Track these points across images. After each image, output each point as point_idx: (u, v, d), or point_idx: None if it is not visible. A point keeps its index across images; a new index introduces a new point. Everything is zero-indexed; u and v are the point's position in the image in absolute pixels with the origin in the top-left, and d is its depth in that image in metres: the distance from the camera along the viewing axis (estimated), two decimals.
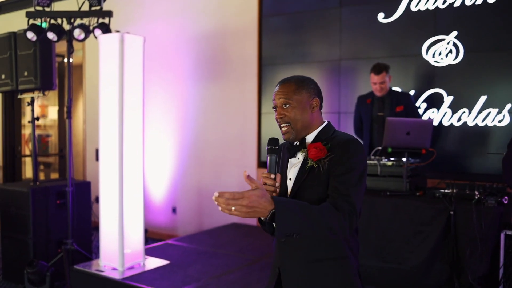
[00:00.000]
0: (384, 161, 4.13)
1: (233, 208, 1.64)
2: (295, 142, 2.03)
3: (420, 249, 3.72)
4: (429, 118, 4.96)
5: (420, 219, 3.72)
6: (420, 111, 5.00)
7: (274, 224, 1.70)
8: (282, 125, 2.01)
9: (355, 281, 1.98)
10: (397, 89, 4.99)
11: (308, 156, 1.95)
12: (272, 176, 1.94)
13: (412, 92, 5.05)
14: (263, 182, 1.91)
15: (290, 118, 1.98)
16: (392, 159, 4.17)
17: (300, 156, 2.01)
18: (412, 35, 5.13)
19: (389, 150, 4.09)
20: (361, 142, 1.97)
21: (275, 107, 2.03)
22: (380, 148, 4.16)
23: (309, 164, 1.94)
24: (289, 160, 2.05)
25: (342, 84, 5.56)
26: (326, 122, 2.06)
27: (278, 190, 1.96)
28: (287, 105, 1.98)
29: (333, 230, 1.77)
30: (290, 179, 2.02)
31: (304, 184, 1.95)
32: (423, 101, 5.03)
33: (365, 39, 5.43)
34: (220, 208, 1.66)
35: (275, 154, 1.97)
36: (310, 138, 2.01)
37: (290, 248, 2.00)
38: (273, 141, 1.97)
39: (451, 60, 4.90)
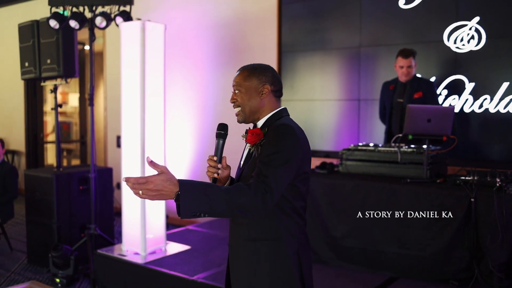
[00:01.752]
0: (404, 148, 4.12)
1: (140, 192, 1.74)
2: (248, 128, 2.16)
3: (439, 236, 3.72)
4: (450, 105, 4.93)
5: (440, 206, 3.72)
6: (441, 98, 4.97)
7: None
8: (234, 108, 2.15)
9: (288, 263, 2.02)
10: (421, 76, 4.93)
11: (246, 141, 2.10)
12: (215, 158, 2.09)
13: (433, 79, 5.01)
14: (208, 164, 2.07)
15: (240, 103, 2.12)
16: (412, 146, 4.16)
17: (244, 138, 2.14)
18: (434, 21, 5.08)
19: (410, 137, 4.08)
20: (298, 129, 2.02)
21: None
22: (400, 135, 4.15)
23: (250, 150, 2.11)
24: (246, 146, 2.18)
25: (362, 71, 5.54)
26: (279, 109, 2.15)
27: (220, 172, 2.09)
28: (237, 91, 2.13)
29: (241, 209, 1.81)
30: (242, 163, 2.17)
31: (246, 169, 2.08)
32: (444, 88, 4.99)
33: (386, 25, 5.39)
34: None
35: (221, 138, 2.12)
36: (259, 123, 2.13)
37: (233, 226, 2.14)
38: (221, 126, 2.13)
39: (473, 46, 4.85)
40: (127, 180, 1.73)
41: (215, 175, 2.07)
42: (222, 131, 2.13)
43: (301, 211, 2.09)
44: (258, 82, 2.11)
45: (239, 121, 2.16)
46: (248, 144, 2.13)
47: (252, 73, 2.12)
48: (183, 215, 1.77)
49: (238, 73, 2.16)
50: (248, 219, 2.04)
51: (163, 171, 1.77)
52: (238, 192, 1.82)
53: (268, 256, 2.03)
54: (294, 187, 2.01)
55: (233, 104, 2.15)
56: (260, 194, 1.83)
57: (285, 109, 2.17)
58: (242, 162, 2.18)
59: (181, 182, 1.78)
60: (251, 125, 2.20)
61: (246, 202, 1.82)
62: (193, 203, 1.77)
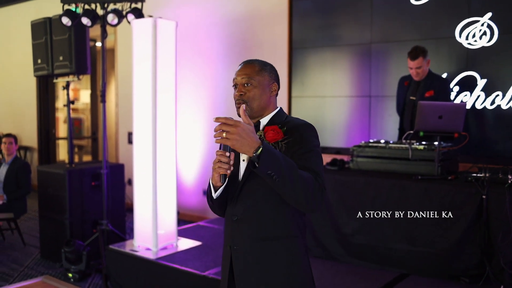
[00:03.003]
0: (415, 145, 4.11)
1: (224, 134, 1.74)
2: None
3: (450, 233, 3.71)
4: (461, 101, 4.91)
5: (451, 203, 3.71)
6: (453, 94, 4.95)
7: (256, 164, 1.76)
8: (239, 101, 2.03)
9: (302, 260, 2.02)
10: (437, 74, 4.89)
11: (265, 138, 2.00)
12: (227, 154, 1.93)
13: (444, 75, 4.99)
14: (218, 160, 1.90)
15: (249, 97, 2.02)
16: (423, 143, 4.15)
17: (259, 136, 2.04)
18: (445, 17, 5.06)
19: (421, 134, 4.07)
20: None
21: (235, 85, 2.07)
22: (411, 132, 4.14)
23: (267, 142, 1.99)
24: None
25: (373, 67, 5.53)
26: (279, 108, 2.12)
27: (232, 168, 1.94)
28: (249, 84, 2.03)
29: (308, 192, 1.80)
30: (243, 160, 2.04)
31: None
32: (456, 84, 4.97)
33: (397, 21, 5.37)
34: (214, 137, 1.77)
35: None
36: (264, 121, 2.07)
37: (240, 226, 2.03)
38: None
39: (485, 42, 4.82)
40: (218, 119, 1.75)
41: (228, 171, 1.92)
42: None
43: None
44: (269, 79, 2.07)
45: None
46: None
47: (263, 68, 2.06)
48: (261, 169, 1.75)
49: (246, 65, 2.06)
50: (260, 219, 1.98)
51: (251, 125, 1.80)
52: (310, 179, 1.81)
53: (284, 255, 1.98)
54: None
55: (238, 97, 2.02)
56: (321, 189, 1.85)
57: (282, 108, 2.15)
58: (244, 157, 2.04)
59: (263, 141, 1.80)
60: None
61: (313, 190, 1.81)
62: (273, 162, 1.75)
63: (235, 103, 2.05)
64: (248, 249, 2.02)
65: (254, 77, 2.03)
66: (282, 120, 2.05)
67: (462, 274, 3.67)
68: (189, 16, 6.92)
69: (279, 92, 2.15)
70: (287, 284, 1.99)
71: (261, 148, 1.74)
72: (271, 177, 1.76)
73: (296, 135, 1.96)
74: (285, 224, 1.99)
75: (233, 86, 2.09)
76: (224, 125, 1.75)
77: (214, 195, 2.02)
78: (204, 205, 6.96)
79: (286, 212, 1.98)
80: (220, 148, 1.96)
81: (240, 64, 2.10)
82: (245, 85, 2.03)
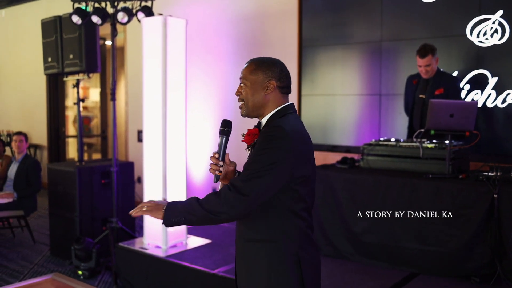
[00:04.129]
0: (426, 143, 4.09)
1: (144, 208, 1.99)
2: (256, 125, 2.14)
3: (461, 232, 3.69)
4: (472, 99, 4.88)
5: (462, 202, 3.69)
6: (464, 92, 4.92)
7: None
8: (239, 102, 2.13)
9: (285, 265, 2.00)
10: (446, 71, 4.86)
11: (243, 141, 2.10)
12: (217, 155, 2.10)
13: (455, 73, 4.96)
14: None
15: (244, 97, 2.09)
16: (434, 141, 4.13)
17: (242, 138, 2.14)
18: (456, 14, 5.02)
19: (432, 132, 4.04)
20: (294, 131, 1.96)
21: None
22: (422, 130, 4.12)
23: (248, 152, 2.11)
24: None
25: (383, 65, 5.50)
26: (283, 105, 2.09)
27: (221, 170, 2.11)
28: (243, 84, 2.09)
29: (211, 216, 1.92)
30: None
31: (243, 167, 2.06)
32: (467, 83, 4.94)
33: (407, 19, 5.35)
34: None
35: (224, 135, 2.11)
36: (264, 120, 2.09)
37: (237, 225, 2.15)
38: (224, 123, 2.12)
39: (496, 40, 4.78)
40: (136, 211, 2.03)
41: (217, 172, 2.09)
42: (225, 128, 2.12)
43: (302, 212, 2.03)
44: (264, 77, 2.06)
45: (242, 115, 2.13)
46: (221, 138, 2.15)
47: (258, 66, 2.07)
48: (166, 223, 1.96)
49: (245, 65, 2.12)
50: (246, 220, 2.05)
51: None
52: (207, 201, 1.93)
53: (264, 258, 2.01)
54: (292, 190, 1.97)
55: (238, 95, 2.12)
56: (229, 200, 1.90)
57: (291, 105, 2.10)
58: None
59: (169, 202, 2.00)
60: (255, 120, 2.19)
61: (210, 209, 1.91)
62: (174, 213, 1.95)
63: None
64: (240, 247, 2.12)
65: (247, 77, 2.08)
66: (273, 122, 2.05)
67: (473, 273, 3.65)
68: (198, 14, 6.93)
69: (288, 88, 2.12)
70: (268, 286, 2.02)
71: (164, 208, 1.96)
72: (178, 223, 1.96)
73: (260, 138, 2.00)
74: (267, 228, 2.01)
75: None
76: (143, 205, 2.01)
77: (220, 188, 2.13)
78: None
79: (269, 216, 2.00)
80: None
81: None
82: (242, 85, 2.10)
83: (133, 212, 2.00)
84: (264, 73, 2.06)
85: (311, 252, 2.07)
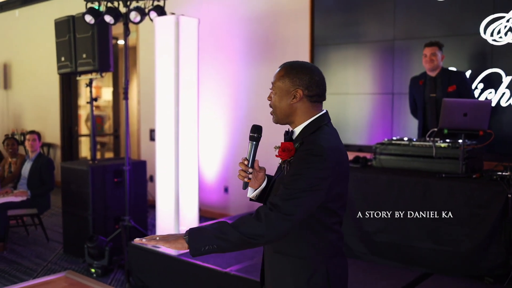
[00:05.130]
0: (439, 142, 4.07)
1: (157, 237, 1.83)
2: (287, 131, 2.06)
3: (475, 232, 3.66)
4: (486, 98, 4.84)
5: (476, 202, 3.66)
6: (477, 92, 4.88)
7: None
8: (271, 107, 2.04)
9: (313, 282, 1.93)
10: (452, 68, 4.86)
11: (277, 156, 1.97)
12: (246, 162, 2.02)
13: (468, 72, 4.92)
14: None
15: (272, 104, 2.02)
16: (448, 140, 4.10)
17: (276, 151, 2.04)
18: (469, 13, 4.98)
19: (445, 131, 4.02)
20: (331, 148, 1.88)
21: None
22: (435, 129, 4.09)
23: (281, 166, 2.00)
24: None
25: (396, 64, 5.48)
26: (317, 116, 1.99)
27: (250, 177, 2.02)
28: (272, 91, 2.01)
29: (250, 239, 1.78)
30: (283, 167, 2.04)
31: (277, 179, 2.01)
32: (480, 81, 4.90)
33: (420, 18, 5.31)
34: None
35: (254, 141, 2.03)
36: (297, 131, 2.00)
37: None
38: (254, 128, 2.04)
39: (510, 38, 4.74)
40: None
41: (246, 179, 2.02)
42: (255, 134, 2.03)
43: (334, 226, 1.97)
44: (291, 85, 1.95)
45: (274, 122, 2.05)
46: (250, 144, 2.07)
47: (287, 73, 1.96)
48: (193, 252, 1.78)
49: (277, 70, 2.02)
50: None
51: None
52: (243, 224, 1.80)
53: (291, 272, 1.95)
54: (325, 207, 1.91)
55: (269, 101, 2.05)
56: (271, 221, 1.79)
57: (325, 115, 2.00)
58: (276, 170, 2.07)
59: (188, 230, 1.83)
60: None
61: (249, 232, 1.78)
62: (201, 239, 1.77)
63: None
64: (268, 257, 2.07)
65: (275, 83, 2.00)
66: (309, 133, 1.95)
67: (487, 273, 3.63)
68: (210, 13, 6.94)
69: (319, 97, 2.00)
70: None
71: (187, 236, 1.79)
72: (208, 252, 1.78)
73: (296, 156, 1.90)
74: (297, 243, 1.95)
75: None
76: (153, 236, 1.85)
77: (250, 195, 2.11)
78: (225, 202, 6.98)
79: (300, 231, 1.92)
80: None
81: None
82: (271, 90, 2.03)
83: (144, 240, 1.82)
84: (291, 81, 1.95)
85: (340, 263, 2.02)
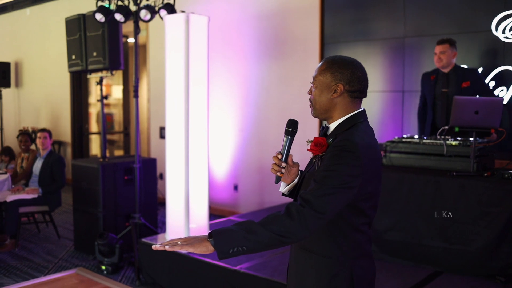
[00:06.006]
0: (450, 140, 4.04)
1: (179, 242, 1.75)
2: (323, 126, 2.05)
3: (487, 231, 3.64)
4: (498, 96, 4.80)
5: (488, 200, 3.64)
6: None
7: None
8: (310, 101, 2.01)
9: (335, 282, 1.91)
10: (464, 66, 4.82)
11: (308, 150, 1.95)
12: (280, 156, 1.99)
13: (480, 70, 4.88)
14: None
15: (312, 98, 1.99)
16: (459, 138, 4.07)
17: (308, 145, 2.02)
18: (481, 10, 4.95)
19: (456, 129, 3.99)
20: (364, 145, 1.84)
21: None
22: (446, 127, 4.07)
23: (312, 160, 1.99)
24: None
25: (407, 62, 5.45)
26: (354, 113, 1.96)
27: (283, 171, 1.99)
28: (313, 84, 1.98)
29: (281, 237, 1.73)
30: (314, 161, 2.03)
31: (308, 174, 1.98)
32: (492, 79, 4.86)
33: (431, 15, 5.28)
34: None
35: (289, 136, 1.99)
36: (332, 126, 1.97)
37: None
38: (290, 122, 2.00)
39: None
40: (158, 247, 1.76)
41: (278, 173, 1.99)
42: (291, 128, 1.99)
43: (362, 227, 1.93)
44: (332, 79, 1.92)
45: (313, 115, 2.02)
46: (285, 138, 2.02)
47: (329, 67, 1.94)
48: (222, 255, 1.72)
49: (319, 64, 2.00)
50: None
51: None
52: (273, 222, 1.75)
53: (315, 270, 1.93)
54: (354, 206, 1.87)
55: (309, 95, 2.01)
56: (305, 218, 1.74)
57: (362, 112, 1.98)
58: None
59: (212, 232, 1.75)
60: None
61: (280, 230, 1.73)
62: (229, 241, 1.71)
63: None
64: (294, 253, 2.05)
65: (317, 77, 1.96)
66: (343, 130, 1.92)
67: (498, 273, 3.60)
68: (220, 11, 6.94)
69: (359, 93, 1.97)
70: None
71: (212, 239, 1.72)
72: (237, 253, 1.72)
73: (328, 152, 1.87)
74: (323, 242, 1.92)
75: None
76: (174, 240, 1.76)
77: (282, 190, 2.10)
78: (235, 200, 6.99)
79: (327, 230, 1.90)
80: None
81: None
82: (312, 84, 1.99)
83: (167, 247, 1.73)
84: (332, 75, 1.93)
85: (366, 265, 1.98)
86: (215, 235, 1.72)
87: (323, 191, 1.77)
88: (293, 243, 1.87)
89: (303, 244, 1.97)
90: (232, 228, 1.75)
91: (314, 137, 1.95)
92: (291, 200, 2.00)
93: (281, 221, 1.74)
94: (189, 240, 1.74)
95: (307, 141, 1.97)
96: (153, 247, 1.75)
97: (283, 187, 2.10)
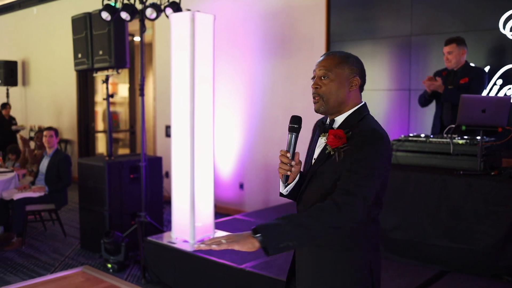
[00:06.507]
0: (457, 139, 4.02)
1: (223, 240, 1.69)
2: (327, 121, 2.00)
3: (493, 230, 3.61)
4: (505, 95, 4.77)
5: (494, 199, 3.61)
6: (496, 88, 4.81)
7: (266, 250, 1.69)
8: (314, 96, 1.97)
9: (357, 275, 1.90)
10: (472, 64, 4.78)
11: (326, 142, 1.91)
12: (288, 155, 1.93)
13: (487, 68, 4.85)
14: (280, 160, 1.92)
15: (325, 91, 1.93)
16: (465, 137, 4.05)
17: (324, 139, 1.96)
18: (488, 7, 4.91)
19: (463, 128, 3.97)
20: (384, 133, 1.88)
21: (313, 77, 2.00)
22: (453, 126, 4.04)
23: (327, 150, 1.91)
24: (319, 138, 2.01)
25: (413, 60, 5.42)
26: (360, 104, 1.97)
27: (293, 169, 1.95)
28: (326, 77, 1.93)
29: (329, 229, 1.74)
30: (314, 159, 2.00)
31: (321, 169, 1.93)
32: (499, 77, 4.83)
33: (438, 13, 5.25)
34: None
35: (294, 132, 1.95)
36: (339, 120, 1.95)
37: None
38: (294, 119, 1.96)
39: None
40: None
41: (288, 172, 1.93)
42: (295, 124, 1.95)
43: (377, 217, 1.95)
44: (350, 72, 1.93)
45: (317, 111, 1.97)
46: (322, 140, 1.97)
47: (345, 60, 1.94)
48: (272, 252, 1.69)
49: (325, 57, 1.96)
50: None
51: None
52: (321, 213, 1.74)
53: (335, 265, 1.91)
54: (376, 196, 1.86)
55: (313, 91, 1.96)
56: (353, 208, 1.75)
57: (365, 104, 1.99)
58: (314, 158, 2.00)
59: (256, 227, 1.72)
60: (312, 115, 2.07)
61: (332, 221, 1.74)
62: (278, 236, 1.69)
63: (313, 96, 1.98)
64: (306, 254, 1.99)
65: (332, 69, 1.92)
66: (356, 121, 1.91)
67: (505, 272, 3.57)
68: (226, 9, 6.93)
69: (363, 86, 2.01)
70: None
71: (259, 234, 1.69)
72: (286, 248, 1.70)
73: (356, 142, 1.84)
74: (344, 236, 1.89)
75: (312, 78, 2.01)
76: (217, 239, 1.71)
77: (283, 191, 2.01)
78: (240, 198, 6.99)
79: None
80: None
81: (321, 56, 2.01)
82: (322, 78, 1.94)
83: (214, 246, 1.68)
84: (350, 68, 1.93)
85: (378, 256, 2.00)
86: (261, 231, 1.69)
87: (363, 180, 1.78)
88: (339, 233, 1.85)
89: (319, 243, 1.92)
90: (278, 222, 1.72)
91: (329, 130, 1.92)
92: (290, 201, 1.96)
93: (331, 212, 1.74)
94: (234, 238, 1.69)
95: (321, 135, 1.95)
96: (195, 246, 1.73)
97: (283, 188, 2.02)
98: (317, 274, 1.95)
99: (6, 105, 9.48)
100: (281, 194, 2.05)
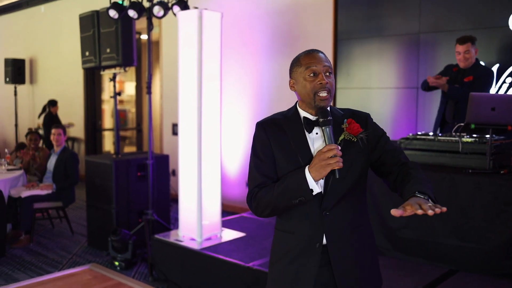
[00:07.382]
0: (466, 137, 3.99)
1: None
2: (314, 116, 2.05)
3: (503, 229, 3.58)
4: None
5: (504, 198, 3.58)
6: (505, 86, 4.78)
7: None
8: (323, 93, 1.97)
9: (376, 249, 2.19)
10: (482, 63, 4.74)
11: (346, 130, 1.99)
12: (338, 147, 1.89)
13: (496, 66, 4.82)
14: (332, 154, 1.85)
15: (331, 86, 2.00)
16: (474, 135, 4.02)
17: (318, 131, 2.01)
18: (497, 5, 4.88)
19: (472, 126, 3.94)
20: None
21: (314, 73, 2.00)
22: (462, 124, 4.02)
23: (347, 138, 1.98)
24: (308, 135, 2.03)
25: (421, 58, 5.39)
26: None
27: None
28: (330, 73, 2.00)
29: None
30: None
31: (345, 158, 1.90)
32: (508, 75, 4.79)
33: (446, 10, 5.22)
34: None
35: (330, 125, 1.93)
36: (328, 108, 2.05)
37: (336, 219, 1.99)
38: (324, 113, 1.95)
39: None
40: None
41: (341, 164, 1.85)
42: (327, 117, 1.94)
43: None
44: None
45: (326, 106, 1.98)
46: (317, 132, 2.01)
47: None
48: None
49: (321, 54, 2.04)
50: (349, 209, 2.02)
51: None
52: (422, 172, 2.03)
53: (369, 240, 2.11)
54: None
55: (323, 87, 1.97)
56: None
57: None
58: (313, 152, 2.00)
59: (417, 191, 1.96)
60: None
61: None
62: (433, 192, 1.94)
63: (318, 90, 1.97)
64: (344, 238, 2.02)
65: (331, 65, 2.04)
66: (335, 109, 2.08)
67: None
68: (233, 7, 6.92)
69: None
70: (372, 266, 2.12)
71: (426, 196, 1.95)
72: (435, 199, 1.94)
73: (371, 127, 2.07)
74: (365, 213, 2.11)
75: (310, 74, 2.01)
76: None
77: (316, 189, 1.91)
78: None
79: (365, 202, 2.11)
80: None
81: (310, 52, 2.05)
82: (328, 73, 2.00)
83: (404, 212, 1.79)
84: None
85: None
86: (425, 191, 1.89)
87: (401, 149, 2.15)
88: None
89: (357, 223, 2.05)
90: (426, 184, 1.95)
91: (347, 120, 2.01)
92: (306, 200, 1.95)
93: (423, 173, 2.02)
94: (415, 204, 1.82)
95: (342, 126, 2.00)
96: (393, 212, 1.79)
97: (316, 187, 1.91)
98: (355, 255, 2.04)
99: (55, 103, 9.45)
100: (307, 197, 1.92)
